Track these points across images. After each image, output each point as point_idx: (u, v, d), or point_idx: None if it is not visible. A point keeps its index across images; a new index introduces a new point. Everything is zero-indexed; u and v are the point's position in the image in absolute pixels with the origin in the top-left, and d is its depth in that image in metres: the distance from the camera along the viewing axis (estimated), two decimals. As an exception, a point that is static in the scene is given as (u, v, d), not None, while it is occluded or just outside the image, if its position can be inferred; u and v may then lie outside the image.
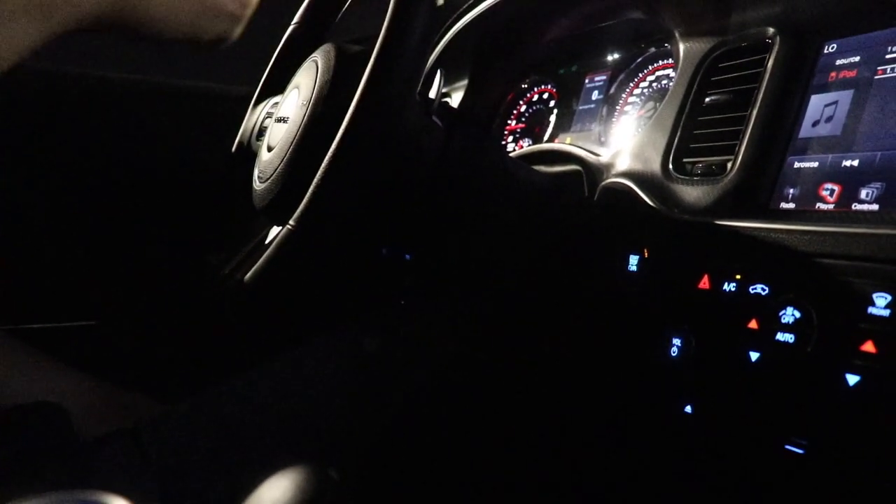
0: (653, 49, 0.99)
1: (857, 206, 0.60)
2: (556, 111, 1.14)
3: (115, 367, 0.86)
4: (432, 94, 0.72)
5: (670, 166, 0.76)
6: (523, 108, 1.23)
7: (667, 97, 0.81)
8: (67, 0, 0.44)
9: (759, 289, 0.61)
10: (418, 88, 0.66)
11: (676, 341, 0.68)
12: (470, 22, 1.15)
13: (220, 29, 0.57)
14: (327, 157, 0.59)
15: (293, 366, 0.74)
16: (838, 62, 0.67)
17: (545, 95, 1.19)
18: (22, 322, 1.10)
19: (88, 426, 0.67)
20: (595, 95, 1.07)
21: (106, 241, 1.21)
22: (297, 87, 0.73)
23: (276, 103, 0.80)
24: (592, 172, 0.88)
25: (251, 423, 0.68)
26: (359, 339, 0.78)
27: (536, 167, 0.95)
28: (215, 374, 0.72)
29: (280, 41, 0.95)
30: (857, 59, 0.65)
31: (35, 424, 0.64)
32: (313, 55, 0.74)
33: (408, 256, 0.88)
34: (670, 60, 0.95)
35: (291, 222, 0.62)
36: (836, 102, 0.65)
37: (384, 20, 0.60)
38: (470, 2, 1.15)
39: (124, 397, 0.78)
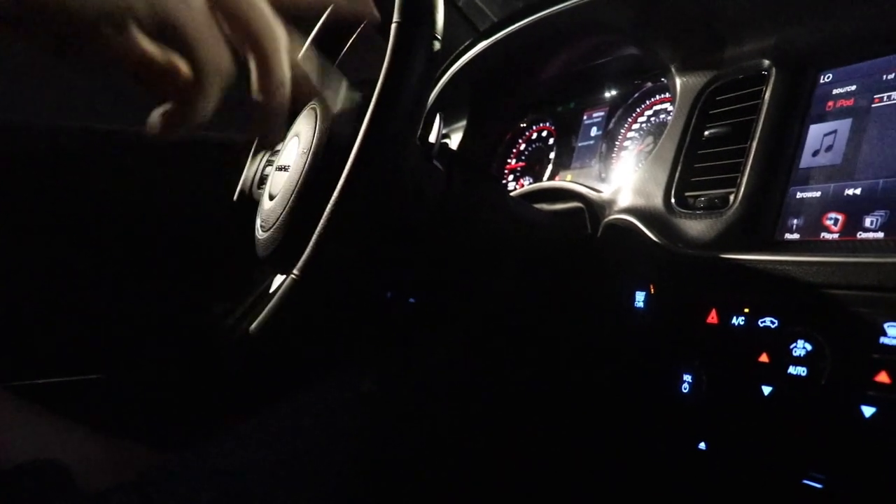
0: (650, 84, 1.00)
1: (862, 235, 0.60)
2: (555, 149, 1.14)
3: (116, 420, 0.85)
4: (432, 137, 0.72)
5: (672, 200, 0.76)
6: (522, 147, 1.23)
7: (666, 131, 0.82)
8: None
9: (767, 322, 0.61)
10: (418, 133, 0.66)
11: (687, 377, 0.67)
12: (466, 63, 1.16)
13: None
14: (330, 205, 0.59)
15: (294, 413, 0.73)
16: (835, 91, 0.67)
17: (544, 133, 1.19)
18: (21, 378, 1.09)
19: (91, 482, 0.66)
20: (594, 132, 1.07)
21: (108, 293, 1.21)
22: (297, 135, 0.73)
23: (277, 151, 0.80)
24: (594, 209, 0.88)
25: (255, 472, 0.67)
26: (355, 381, 0.78)
27: (538, 206, 0.95)
28: (218, 424, 0.71)
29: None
30: (853, 87, 0.66)
31: (36, 484, 0.63)
32: (312, 102, 0.74)
33: (412, 300, 0.88)
34: (668, 94, 0.96)
35: (295, 271, 0.61)
36: (835, 132, 0.66)
37: (382, 65, 0.61)
38: (466, 44, 1.16)
39: (127, 450, 0.77)
